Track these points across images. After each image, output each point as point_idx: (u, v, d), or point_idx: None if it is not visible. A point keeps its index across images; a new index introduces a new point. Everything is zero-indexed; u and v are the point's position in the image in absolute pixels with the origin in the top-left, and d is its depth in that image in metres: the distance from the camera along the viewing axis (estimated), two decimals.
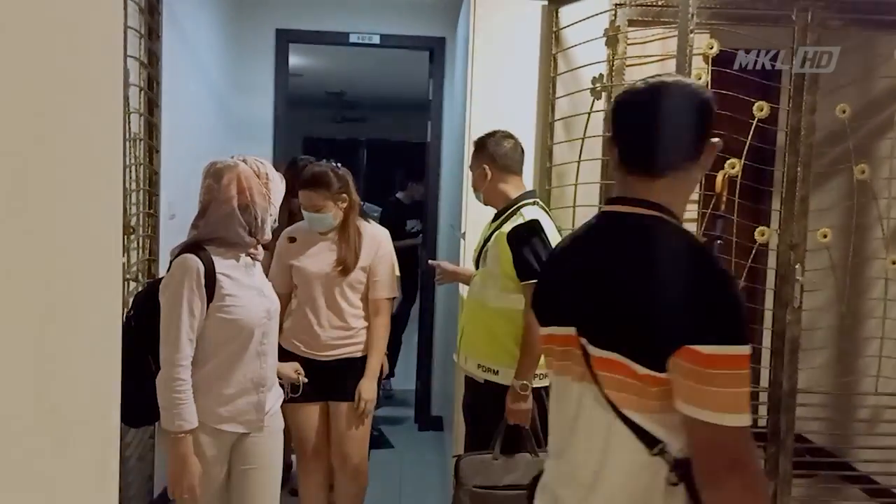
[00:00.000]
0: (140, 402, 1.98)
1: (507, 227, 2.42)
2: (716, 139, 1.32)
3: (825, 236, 2.69)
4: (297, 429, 2.76)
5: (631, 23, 2.74)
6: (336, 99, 8.40)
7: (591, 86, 2.82)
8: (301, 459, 2.85)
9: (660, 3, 2.72)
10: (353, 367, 2.71)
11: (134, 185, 2.63)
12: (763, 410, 2.68)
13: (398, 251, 2.93)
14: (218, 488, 2.11)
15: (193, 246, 2.01)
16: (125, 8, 2.33)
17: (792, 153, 2.61)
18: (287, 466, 3.02)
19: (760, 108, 2.59)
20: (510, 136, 2.58)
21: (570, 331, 1.33)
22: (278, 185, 2.13)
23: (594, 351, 1.26)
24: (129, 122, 2.53)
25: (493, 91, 3.06)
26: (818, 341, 2.95)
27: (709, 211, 2.62)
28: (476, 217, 2.91)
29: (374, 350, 2.74)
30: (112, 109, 0.86)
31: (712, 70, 2.53)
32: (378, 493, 2.86)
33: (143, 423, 2.25)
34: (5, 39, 0.62)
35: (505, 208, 2.52)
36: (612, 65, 2.77)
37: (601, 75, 2.80)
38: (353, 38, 4.42)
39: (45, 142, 0.70)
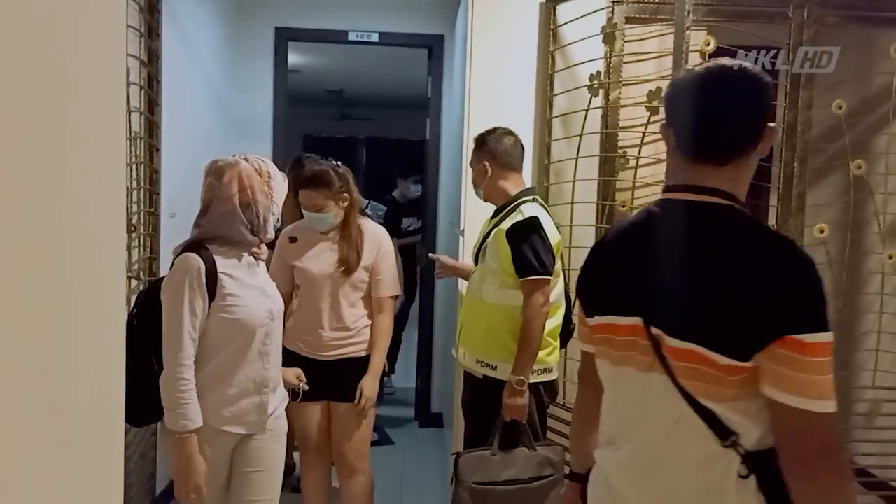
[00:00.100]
0: (143, 402, 1.97)
1: (507, 224, 2.44)
2: (772, 124, 1.29)
3: (822, 232, 2.70)
4: (299, 427, 2.76)
5: (628, 20, 2.75)
6: (335, 97, 8.40)
7: (588, 83, 2.84)
8: (304, 456, 2.86)
9: (656, 0, 2.73)
10: (355, 367, 2.70)
11: (135, 184, 2.64)
12: None
13: (397, 249, 2.94)
14: (219, 489, 2.10)
15: (195, 245, 2.01)
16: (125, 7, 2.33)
17: (789, 149, 2.62)
18: (288, 468, 3.02)
19: None
20: (510, 133, 2.59)
21: (635, 320, 1.31)
22: (281, 184, 2.11)
23: (671, 341, 1.24)
24: (130, 121, 2.55)
25: (491, 88, 3.08)
26: None
27: None
28: (475, 214, 2.92)
29: (377, 348, 2.73)
30: (114, 108, 0.87)
31: None
32: (379, 490, 2.87)
33: (146, 423, 2.23)
34: (8, 39, 0.63)
35: (504, 205, 2.53)
36: (610, 62, 2.79)
37: (598, 72, 2.81)
38: (351, 36, 4.43)
39: (48, 141, 0.71)
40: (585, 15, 2.81)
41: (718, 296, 1.20)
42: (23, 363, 0.69)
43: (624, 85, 2.78)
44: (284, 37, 4.42)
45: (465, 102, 3.13)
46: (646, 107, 2.66)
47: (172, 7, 3.03)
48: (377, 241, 2.74)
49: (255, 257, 2.12)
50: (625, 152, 2.79)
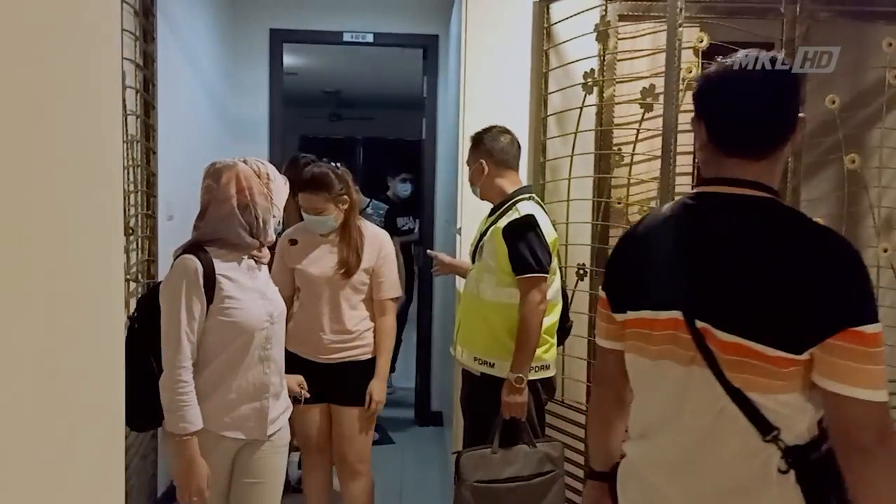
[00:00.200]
0: (144, 405, 1.95)
1: (503, 222, 2.45)
2: (801, 114, 1.28)
3: None
4: (300, 429, 2.74)
5: (621, 18, 2.76)
6: (332, 98, 8.41)
7: (582, 80, 2.85)
8: (305, 457, 2.86)
9: None
10: (355, 370, 2.69)
11: (132, 187, 2.65)
12: None
13: (396, 249, 2.94)
14: (219, 498, 2.07)
15: (194, 247, 1.99)
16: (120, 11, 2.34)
17: None
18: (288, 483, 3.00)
19: None
20: (507, 132, 2.61)
21: (675, 314, 1.29)
22: (281, 187, 2.09)
23: (720, 335, 1.23)
24: (126, 124, 2.55)
25: (486, 87, 3.09)
26: None
27: None
28: (472, 213, 2.93)
29: (381, 351, 2.72)
30: (110, 112, 0.88)
31: (703, 63, 2.55)
32: (379, 490, 2.87)
33: (147, 428, 2.22)
34: (5, 44, 0.64)
35: (501, 203, 2.54)
36: (604, 59, 2.80)
37: (592, 70, 2.82)
38: (346, 37, 4.43)
39: (44, 146, 0.72)
40: (579, 13, 2.82)
41: (773, 290, 1.20)
42: (21, 366, 0.69)
43: (618, 82, 2.80)
44: (279, 38, 4.43)
45: (460, 101, 3.14)
46: (640, 104, 2.67)
47: (167, 10, 3.04)
48: (378, 243, 2.72)
49: (255, 260, 2.09)
50: (619, 149, 2.81)
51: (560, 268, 2.70)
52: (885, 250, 2.76)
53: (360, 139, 9.93)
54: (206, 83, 3.83)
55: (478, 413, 2.57)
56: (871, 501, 1.15)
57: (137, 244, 2.74)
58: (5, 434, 0.66)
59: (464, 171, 2.82)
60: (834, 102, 2.68)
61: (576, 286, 2.90)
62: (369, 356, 2.72)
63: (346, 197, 2.65)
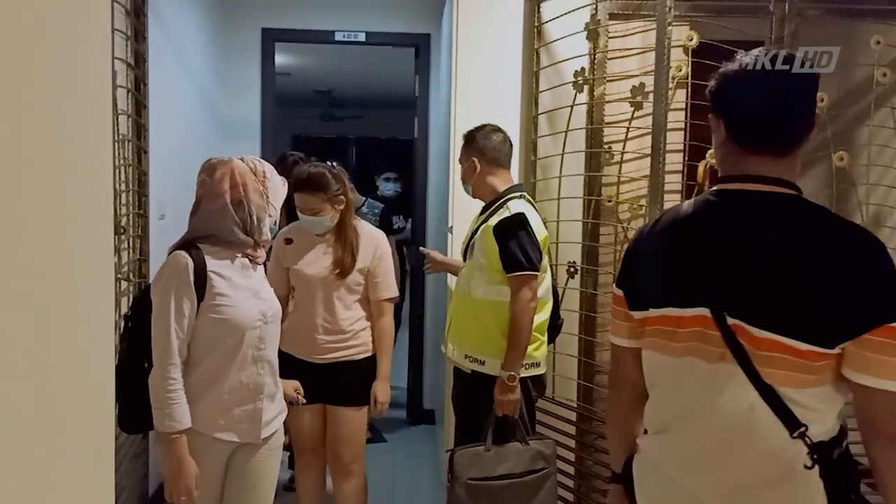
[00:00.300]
0: (136, 408, 1.94)
1: (494, 221, 2.46)
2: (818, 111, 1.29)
3: None
4: (294, 429, 2.74)
5: (611, 16, 2.78)
6: (324, 97, 8.40)
7: (573, 79, 2.86)
8: (299, 457, 2.86)
9: None
10: (350, 370, 2.68)
11: (123, 186, 2.64)
12: None
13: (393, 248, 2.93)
14: (213, 499, 2.05)
15: (187, 243, 1.97)
16: (111, 11, 2.33)
17: None
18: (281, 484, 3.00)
19: None
20: (499, 130, 2.61)
21: (702, 311, 1.29)
22: (278, 186, 2.06)
23: (753, 331, 1.23)
24: (118, 124, 2.54)
25: (477, 86, 3.09)
26: None
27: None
28: (463, 211, 2.93)
29: (382, 351, 2.72)
30: (100, 111, 0.88)
31: (693, 62, 2.57)
32: (371, 488, 2.88)
33: (138, 430, 2.18)
34: None
35: (492, 201, 2.55)
36: (594, 58, 2.81)
37: (583, 69, 2.83)
38: (338, 37, 4.43)
39: (34, 145, 0.72)
40: (569, 12, 2.83)
41: (807, 286, 1.21)
42: (10, 365, 0.69)
43: (608, 81, 2.81)
44: (271, 37, 4.42)
45: (451, 100, 3.15)
46: (630, 102, 2.68)
47: (158, 10, 3.03)
48: (373, 243, 2.71)
49: (250, 259, 2.06)
50: (610, 147, 2.82)
51: (551, 266, 2.71)
52: None
53: (353, 138, 9.92)
54: (197, 83, 3.83)
55: (469, 410, 2.57)
56: None
57: (129, 243, 2.74)
58: None
59: (456, 170, 2.83)
60: (822, 100, 2.69)
61: (566, 284, 2.91)
62: (364, 356, 2.71)
63: (342, 197, 2.64)
